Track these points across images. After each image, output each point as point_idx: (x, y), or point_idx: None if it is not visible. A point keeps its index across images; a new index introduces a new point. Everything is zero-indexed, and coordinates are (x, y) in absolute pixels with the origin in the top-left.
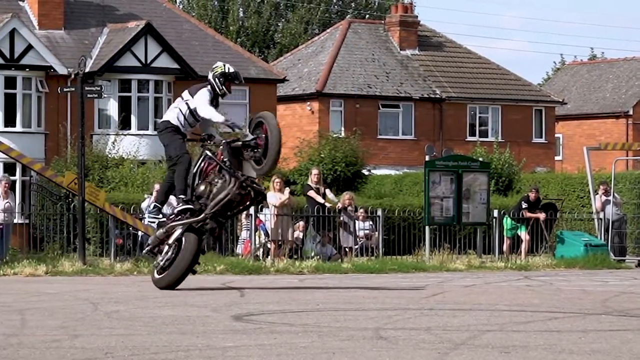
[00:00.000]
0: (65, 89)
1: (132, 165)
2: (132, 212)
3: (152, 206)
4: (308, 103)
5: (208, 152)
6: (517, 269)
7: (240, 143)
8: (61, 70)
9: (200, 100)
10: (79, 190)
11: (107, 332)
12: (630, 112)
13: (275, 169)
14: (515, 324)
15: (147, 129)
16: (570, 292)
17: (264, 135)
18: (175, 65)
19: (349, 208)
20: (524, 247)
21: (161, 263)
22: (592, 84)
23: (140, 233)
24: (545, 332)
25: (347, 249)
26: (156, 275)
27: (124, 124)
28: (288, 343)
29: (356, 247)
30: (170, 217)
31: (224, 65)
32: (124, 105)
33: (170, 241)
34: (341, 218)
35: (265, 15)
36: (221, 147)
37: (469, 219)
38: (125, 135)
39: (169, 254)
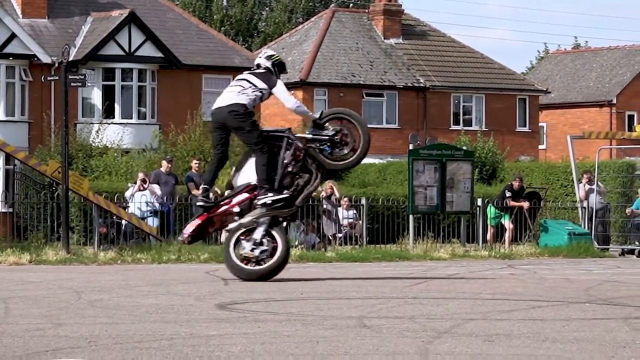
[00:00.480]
0: (49, 78)
1: (116, 154)
2: (115, 200)
3: (201, 189)
4: (292, 92)
5: (299, 144)
6: (500, 258)
7: (323, 136)
8: (45, 59)
9: (284, 93)
10: (62, 179)
11: (91, 320)
12: (614, 101)
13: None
14: (499, 312)
15: (131, 118)
16: (554, 281)
17: (346, 132)
18: (159, 54)
19: (332, 196)
20: (507, 235)
21: (256, 254)
22: (575, 73)
23: (123, 222)
24: (528, 320)
25: (330, 238)
26: (248, 267)
27: (108, 112)
28: (272, 332)
29: (340, 235)
30: (224, 201)
31: (279, 54)
32: (108, 94)
33: (261, 232)
34: (324, 207)
35: (249, 4)
36: (307, 139)
37: (453, 207)
38: (109, 124)
39: (265, 245)
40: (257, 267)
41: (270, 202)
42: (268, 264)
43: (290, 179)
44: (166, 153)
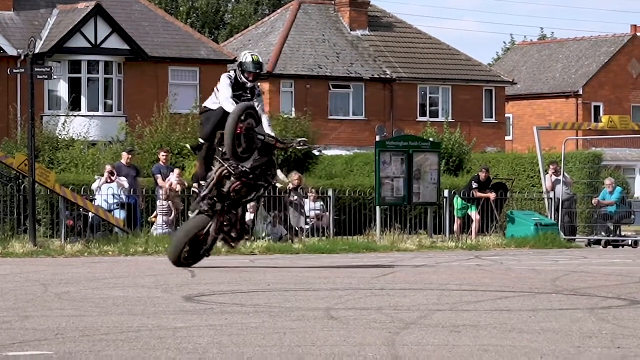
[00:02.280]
0: (14, 71)
1: (83, 146)
2: (82, 193)
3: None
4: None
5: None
6: (467, 249)
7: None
8: (11, 51)
9: (220, 88)
10: (29, 172)
11: (58, 313)
12: (580, 92)
13: (235, 156)
14: (466, 303)
15: (98, 110)
16: (521, 272)
17: None
18: (126, 46)
19: (299, 188)
20: (474, 227)
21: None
22: (542, 64)
23: (90, 214)
24: (495, 311)
25: (298, 230)
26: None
27: (74, 105)
28: (239, 323)
29: (307, 227)
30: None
31: (244, 55)
32: (74, 87)
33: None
34: (292, 198)
35: None
36: None
37: (420, 199)
38: (75, 116)
39: None
40: None
41: None
42: None
43: None
44: (127, 145)
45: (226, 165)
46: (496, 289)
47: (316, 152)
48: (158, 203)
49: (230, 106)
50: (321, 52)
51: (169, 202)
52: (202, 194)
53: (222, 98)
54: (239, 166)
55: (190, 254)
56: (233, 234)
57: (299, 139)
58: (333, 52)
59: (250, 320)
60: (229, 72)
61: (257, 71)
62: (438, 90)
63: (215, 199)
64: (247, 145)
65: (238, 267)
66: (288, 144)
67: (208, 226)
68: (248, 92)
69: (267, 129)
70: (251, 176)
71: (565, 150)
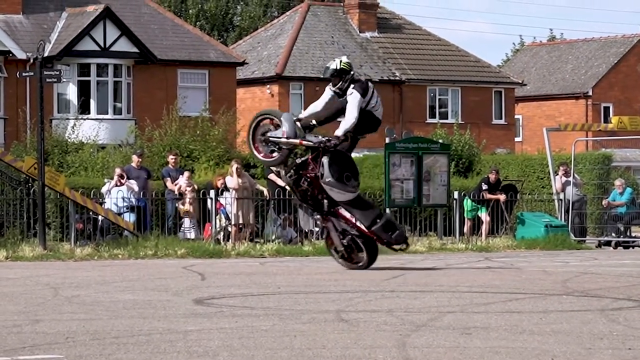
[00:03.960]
0: (24, 74)
1: (92, 149)
2: (92, 196)
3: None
4: (268, 86)
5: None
6: (477, 251)
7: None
8: (20, 54)
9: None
10: (38, 175)
11: (68, 316)
12: (590, 93)
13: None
14: (476, 305)
15: (107, 113)
16: (531, 273)
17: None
18: (135, 49)
19: None
20: (484, 228)
21: None
22: (551, 65)
23: (100, 217)
24: (506, 313)
25: (307, 232)
26: None
27: (84, 108)
28: (249, 326)
29: (317, 229)
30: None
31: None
32: (83, 90)
33: None
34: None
35: None
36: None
37: (430, 200)
38: (84, 119)
39: None
40: None
41: None
42: None
43: None
44: (137, 148)
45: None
46: (506, 291)
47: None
48: (184, 207)
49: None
50: (330, 54)
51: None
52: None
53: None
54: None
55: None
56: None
57: (328, 137)
58: (342, 54)
59: (260, 323)
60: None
61: (326, 76)
62: (447, 92)
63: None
64: (265, 149)
65: (248, 270)
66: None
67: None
68: (341, 94)
69: (340, 129)
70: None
71: (575, 151)
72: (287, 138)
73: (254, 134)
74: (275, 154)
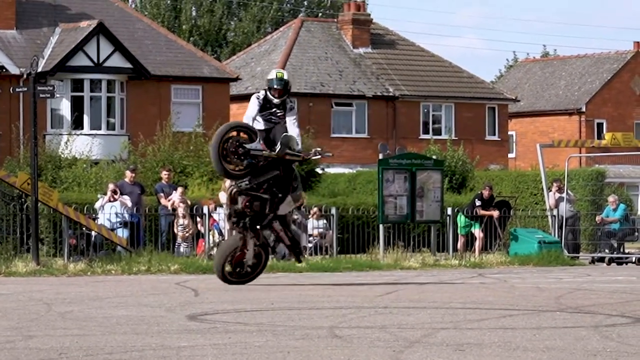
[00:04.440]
0: (17, 89)
1: (85, 165)
2: (85, 212)
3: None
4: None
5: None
6: (471, 267)
7: None
8: (13, 70)
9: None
10: (32, 191)
11: (61, 332)
12: (583, 109)
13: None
14: (470, 321)
15: (100, 129)
16: (525, 289)
17: None
18: (128, 65)
19: (302, 207)
20: (477, 244)
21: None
22: (545, 81)
23: (93, 233)
24: (499, 329)
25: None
26: None
27: (77, 123)
28: (243, 342)
29: (310, 245)
30: None
31: (270, 73)
32: (77, 105)
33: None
34: (294, 217)
35: (218, 14)
36: None
37: (423, 216)
38: (78, 135)
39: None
40: None
41: None
42: None
43: None
44: (130, 163)
45: (233, 183)
46: (500, 307)
47: (318, 170)
48: (179, 222)
49: (251, 124)
50: (324, 69)
51: (188, 219)
52: (225, 213)
53: (245, 116)
54: (242, 183)
55: (234, 271)
56: (287, 250)
57: (314, 149)
58: (335, 70)
59: (253, 339)
60: (258, 92)
61: (281, 87)
62: (441, 108)
63: (236, 216)
64: (238, 162)
65: (241, 286)
66: (301, 156)
67: (244, 244)
68: (278, 108)
69: (295, 143)
70: (260, 190)
71: (569, 167)
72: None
73: (222, 147)
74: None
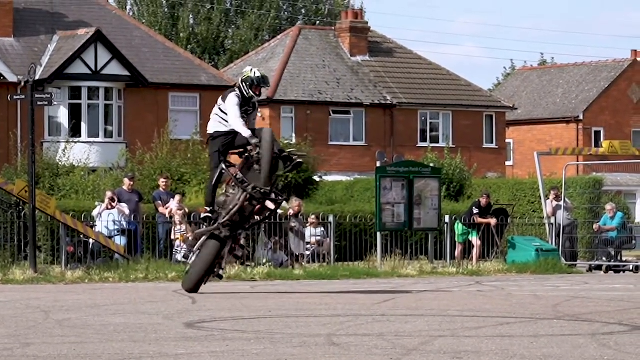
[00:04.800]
0: (15, 97)
1: (83, 172)
2: (83, 219)
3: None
4: (259, 110)
5: (223, 165)
6: (468, 275)
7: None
8: (11, 78)
9: (229, 108)
10: (29, 198)
11: (59, 340)
12: (581, 117)
13: (271, 182)
14: (467, 329)
15: (98, 137)
16: (522, 297)
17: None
18: (126, 73)
19: (299, 214)
20: (475, 252)
21: (187, 267)
22: (542, 89)
23: (91, 241)
24: (497, 337)
25: (298, 256)
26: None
27: (75, 131)
28: (240, 350)
29: (308, 253)
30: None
31: (251, 70)
32: (74, 113)
33: (195, 248)
34: (292, 224)
35: (216, 22)
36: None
37: (421, 224)
38: (75, 142)
39: (193, 259)
40: (184, 279)
41: (200, 220)
42: (187, 275)
43: (223, 199)
44: (128, 171)
45: (249, 190)
46: (497, 315)
47: (316, 178)
48: (176, 228)
49: (241, 126)
50: (321, 77)
51: (185, 225)
52: (221, 221)
53: (232, 118)
54: (261, 189)
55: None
56: (239, 253)
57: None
58: (333, 78)
59: (251, 347)
60: (234, 90)
61: (264, 85)
62: (438, 116)
63: (233, 224)
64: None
65: (239, 293)
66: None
67: (222, 251)
68: (251, 105)
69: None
70: (272, 195)
71: (566, 175)
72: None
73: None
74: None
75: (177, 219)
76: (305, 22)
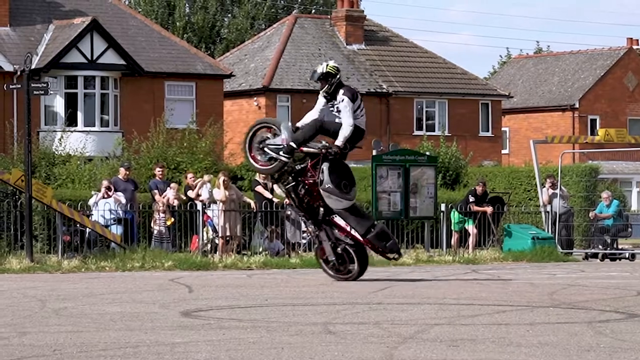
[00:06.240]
0: (11, 86)
1: (79, 161)
2: (79, 208)
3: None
4: (255, 98)
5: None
6: (465, 263)
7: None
8: (7, 67)
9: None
10: (26, 188)
11: (56, 329)
12: (577, 105)
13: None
14: (464, 317)
15: (94, 126)
16: (518, 285)
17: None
18: (122, 62)
19: None
20: (471, 240)
21: None
22: (538, 78)
23: (87, 230)
24: (493, 325)
25: (294, 244)
26: None
27: (71, 120)
28: (237, 338)
29: (304, 242)
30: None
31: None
32: (71, 102)
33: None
34: (288, 213)
35: (212, 11)
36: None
37: (417, 213)
38: (71, 131)
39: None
40: None
41: None
42: None
43: None
44: (124, 160)
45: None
46: (493, 303)
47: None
48: (155, 215)
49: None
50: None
51: (165, 214)
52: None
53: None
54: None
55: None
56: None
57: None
58: None
59: (248, 335)
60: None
61: (314, 80)
62: (434, 104)
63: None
64: (262, 156)
65: (235, 282)
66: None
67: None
68: (329, 98)
69: (339, 138)
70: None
71: (562, 163)
72: (287, 145)
73: (251, 143)
74: (273, 162)
75: (159, 207)
76: (301, 11)
